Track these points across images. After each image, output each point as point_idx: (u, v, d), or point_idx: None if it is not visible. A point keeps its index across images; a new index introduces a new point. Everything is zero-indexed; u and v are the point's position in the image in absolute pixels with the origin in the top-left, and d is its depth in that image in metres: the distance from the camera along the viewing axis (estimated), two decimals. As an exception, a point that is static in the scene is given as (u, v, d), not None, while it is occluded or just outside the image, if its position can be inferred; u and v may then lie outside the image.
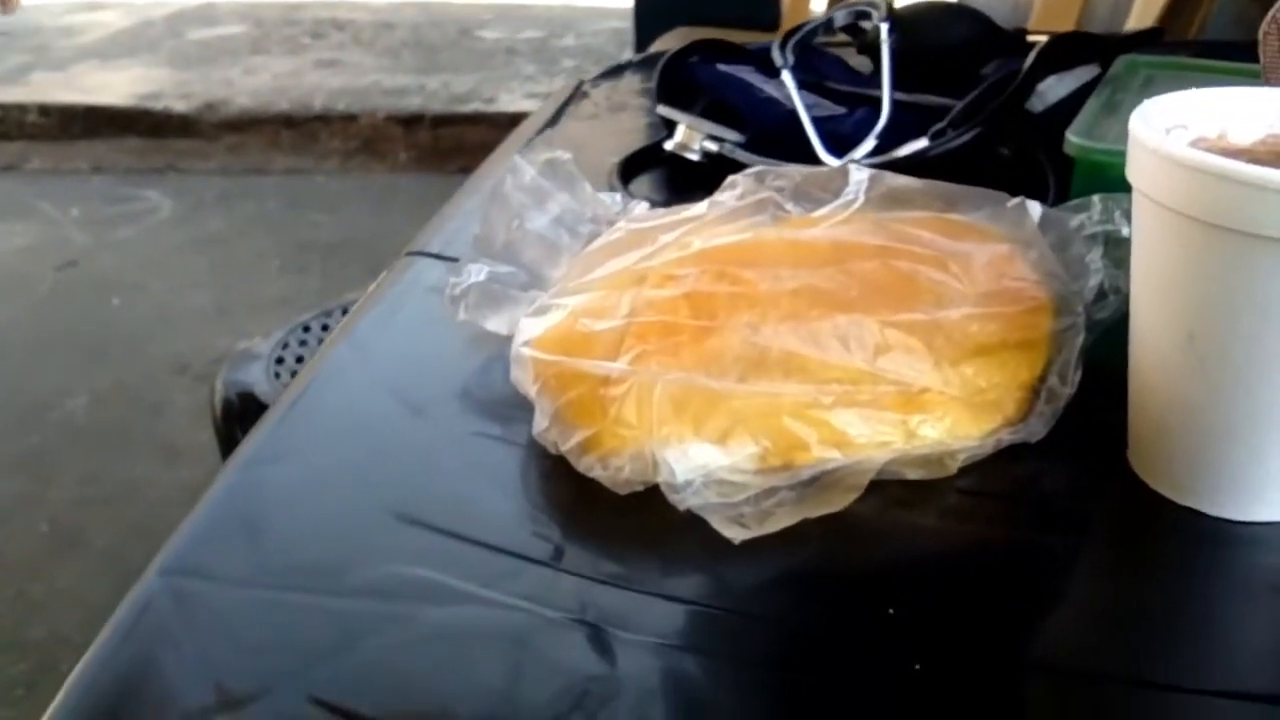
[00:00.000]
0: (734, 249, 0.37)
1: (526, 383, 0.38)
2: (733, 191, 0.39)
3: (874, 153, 0.59)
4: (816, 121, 0.65)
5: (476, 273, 0.43)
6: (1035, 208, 0.39)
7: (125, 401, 1.97)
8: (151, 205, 2.95)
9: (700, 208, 0.39)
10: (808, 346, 0.36)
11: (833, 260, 0.37)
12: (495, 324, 0.43)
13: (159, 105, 3.28)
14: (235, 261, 2.57)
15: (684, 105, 0.70)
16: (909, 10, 0.70)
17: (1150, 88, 0.62)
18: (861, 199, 0.38)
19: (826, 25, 0.71)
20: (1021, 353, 0.38)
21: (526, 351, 0.38)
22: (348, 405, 0.43)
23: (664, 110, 0.64)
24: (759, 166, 0.40)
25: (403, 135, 3.19)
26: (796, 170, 0.40)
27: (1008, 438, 0.37)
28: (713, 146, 0.63)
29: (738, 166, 0.60)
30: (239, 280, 2.45)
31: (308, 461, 0.40)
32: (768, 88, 0.69)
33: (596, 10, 4.01)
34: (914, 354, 0.36)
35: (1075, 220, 0.39)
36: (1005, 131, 0.57)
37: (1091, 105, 0.58)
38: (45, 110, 3.28)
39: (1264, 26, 0.52)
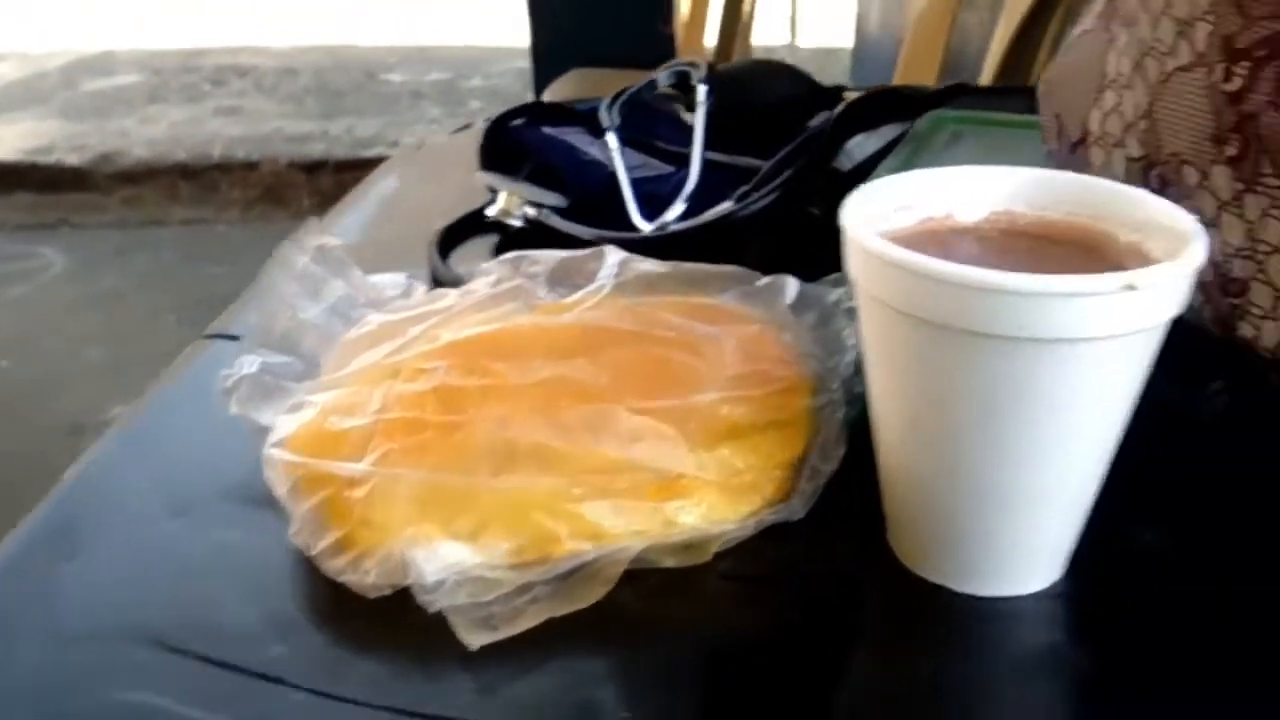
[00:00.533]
0: (484, 340, 0.37)
1: (278, 484, 0.37)
2: (486, 279, 0.39)
3: (685, 215, 0.59)
4: (637, 183, 0.65)
5: (250, 364, 0.42)
6: (791, 285, 0.40)
7: (16, 465, 1.90)
8: (44, 262, 2.86)
9: (451, 297, 0.39)
10: (559, 438, 0.36)
11: (584, 348, 0.37)
12: (268, 417, 0.42)
13: (50, 159, 3.20)
14: (130, 317, 2.51)
15: (511, 170, 0.70)
16: (731, 69, 0.71)
17: (955, 145, 0.63)
18: (611, 284, 0.38)
19: (650, 86, 0.72)
20: (777, 432, 0.38)
21: (275, 453, 0.37)
22: (111, 505, 0.42)
23: (484, 177, 0.63)
24: (514, 253, 0.40)
25: (305, 182, 3.15)
26: (552, 255, 0.39)
27: (769, 518, 0.37)
28: (534, 213, 0.63)
29: (562, 234, 0.61)
30: (134, 337, 2.39)
31: (50, 569, 0.38)
32: (593, 149, 0.69)
33: (504, 51, 4.02)
34: (667, 440, 0.36)
35: (834, 295, 0.40)
36: (812, 191, 0.58)
37: (888, 164, 0.59)
38: (-70, 166, 3.18)
39: (1040, 87, 0.54)
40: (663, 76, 0.72)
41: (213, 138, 3.37)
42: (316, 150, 3.25)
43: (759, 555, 0.37)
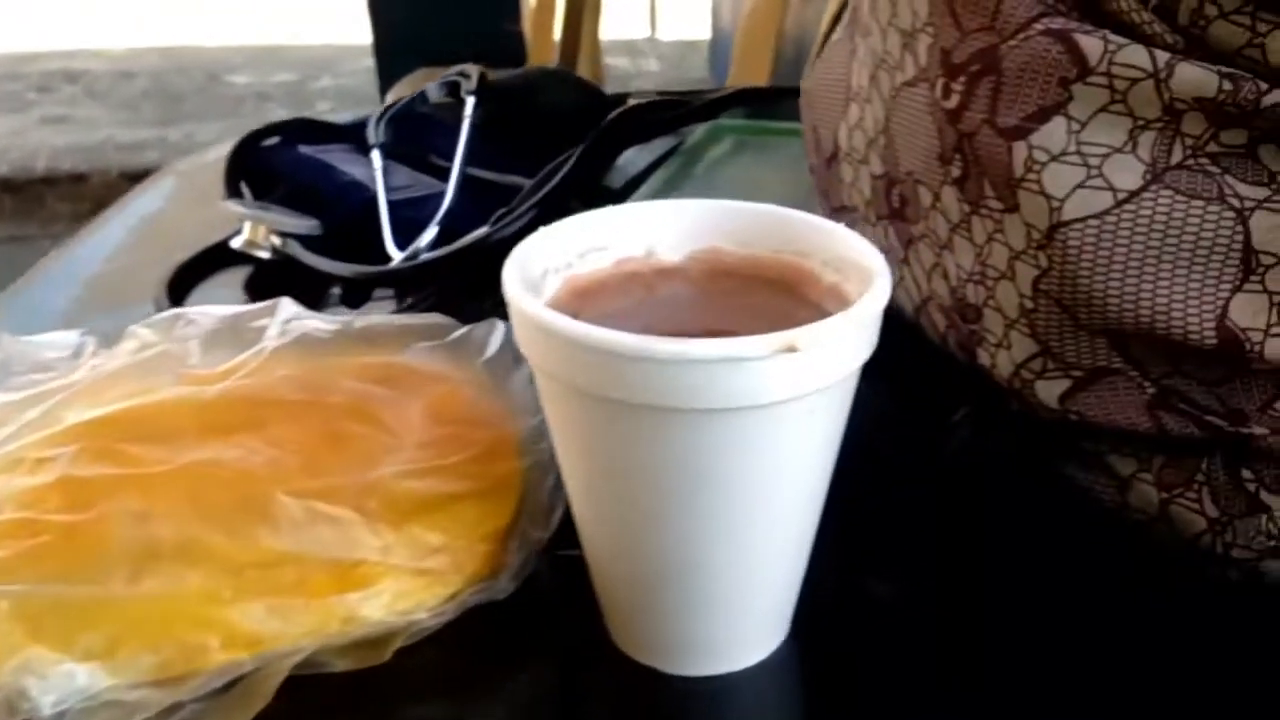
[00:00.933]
0: (119, 419, 0.32)
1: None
2: (129, 344, 0.34)
3: (442, 240, 0.54)
4: (399, 205, 0.60)
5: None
6: (497, 333, 0.36)
7: None
8: None
9: (80, 371, 0.33)
10: (209, 531, 0.31)
11: (240, 423, 0.32)
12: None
13: None
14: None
15: (264, 194, 0.64)
16: (508, 79, 0.66)
17: (734, 156, 0.61)
18: (274, 346, 0.33)
19: (421, 98, 0.67)
20: (479, 502, 0.34)
21: None
22: None
23: (228, 204, 0.58)
24: (171, 312, 0.35)
25: (141, 193, 2.98)
26: (214, 313, 0.34)
27: (471, 599, 0.33)
28: (281, 243, 0.57)
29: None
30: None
31: None
32: (357, 169, 0.64)
33: (354, 49, 3.88)
34: (340, 523, 0.32)
35: (547, 341, 0.36)
36: (569, 211, 0.54)
37: (653, 181, 0.56)
38: None
39: (801, 98, 0.51)
40: (433, 88, 0.67)
41: (38, 149, 3.15)
42: (151, 159, 3.07)
43: (460, 644, 0.33)
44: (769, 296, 0.32)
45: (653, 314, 0.31)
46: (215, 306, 0.34)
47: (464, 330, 0.35)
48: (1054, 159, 0.32)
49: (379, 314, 0.35)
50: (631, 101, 0.63)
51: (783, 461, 0.27)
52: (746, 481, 0.27)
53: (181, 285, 0.58)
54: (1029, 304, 0.35)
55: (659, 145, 0.58)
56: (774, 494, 0.28)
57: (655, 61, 3.75)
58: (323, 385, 0.32)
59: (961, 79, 0.35)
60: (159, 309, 0.54)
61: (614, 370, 0.25)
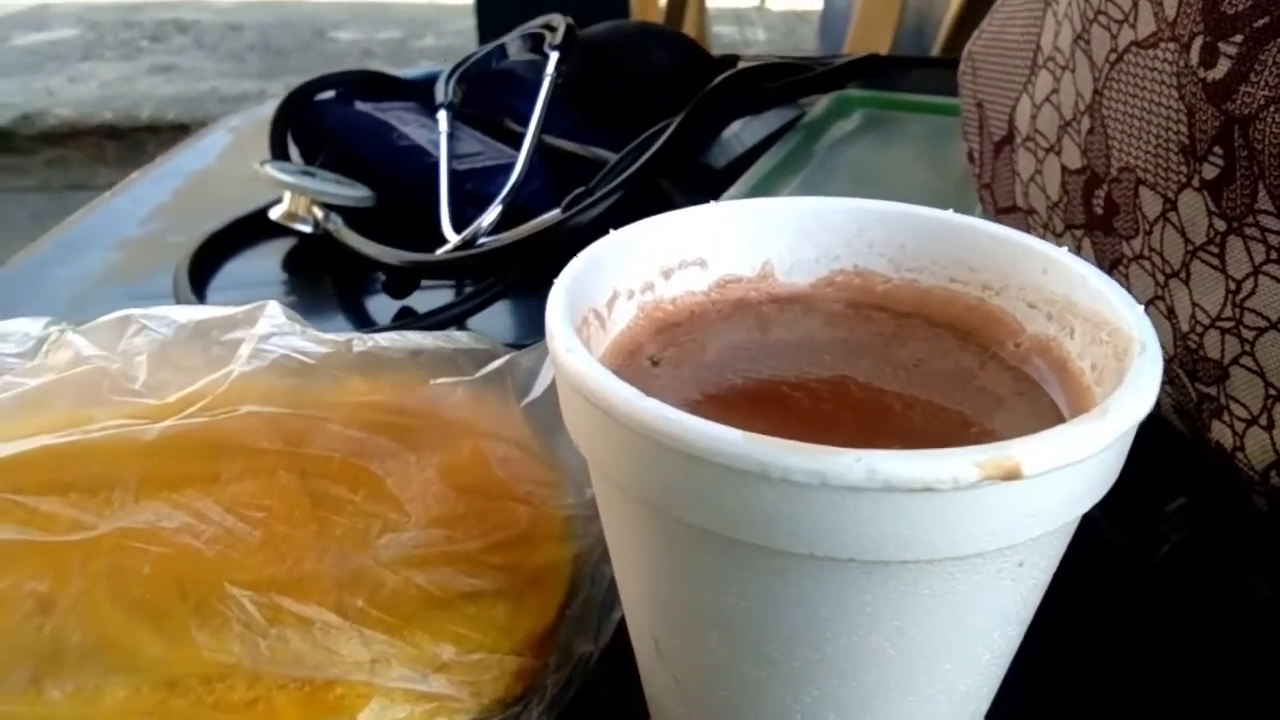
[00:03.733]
0: (30, 463, 0.23)
1: None
2: (61, 355, 0.25)
3: (506, 222, 0.45)
4: (465, 176, 0.51)
5: None
6: (550, 365, 0.26)
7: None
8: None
9: None
10: (136, 629, 0.22)
11: (190, 477, 0.23)
12: None
13: (-33, 118, 3.00)
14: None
15: (315, 156, 0.56)
16: (598, 34, 0.56)
17: (861, 136, 0.50)
18: (241, 370, 0.24)
19: (500, 53, 0.57)
20: (507, 602, 0.24)
21: None
22: None
23: (266, 168, 0.49)
24: (121, 312, 0.26)
25: (240, 146, 2.98)
26: (176, 317, 0.26)
27: (494, 733, 0.24)
28: (323, 216, 0.49)
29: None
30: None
31: None
32: (420, 132, 0.55)
33: (459, 8, 3.83)
34: (316, 627, 0.23)
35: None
36: (661, 194, 0.44)
37: (766, 161, 0.45)
38: None
39: (961, 64, 0.40)
40: (513, 41, 0.58)
41: (143, 98, 3.18)
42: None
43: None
44: (940, 349, 0.21)
45: (765, 365, 0.21)
46: (178, 308, 0.26)
47: (502, 361, 0.26)
48: (1386, 162, 0.21)
49: (393, 332, 0.26)
50: (742, 64, 0.53)
51: (969, 629, 0.17)
52: (911, 655, 0.17)
53: (209, 258, 0.50)
54: (1316, 372, 0.24)
55: (773, 118, 0.48)
56: (948, 662, 0.18)
57: (763, 31, 3.61)
58: (302, 431, 0.23)
59: (1236, 38, 0.24)
60: (178, 287, 0.47)
61: (713, 489, 0.15)
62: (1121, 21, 0.28)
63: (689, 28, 2.14)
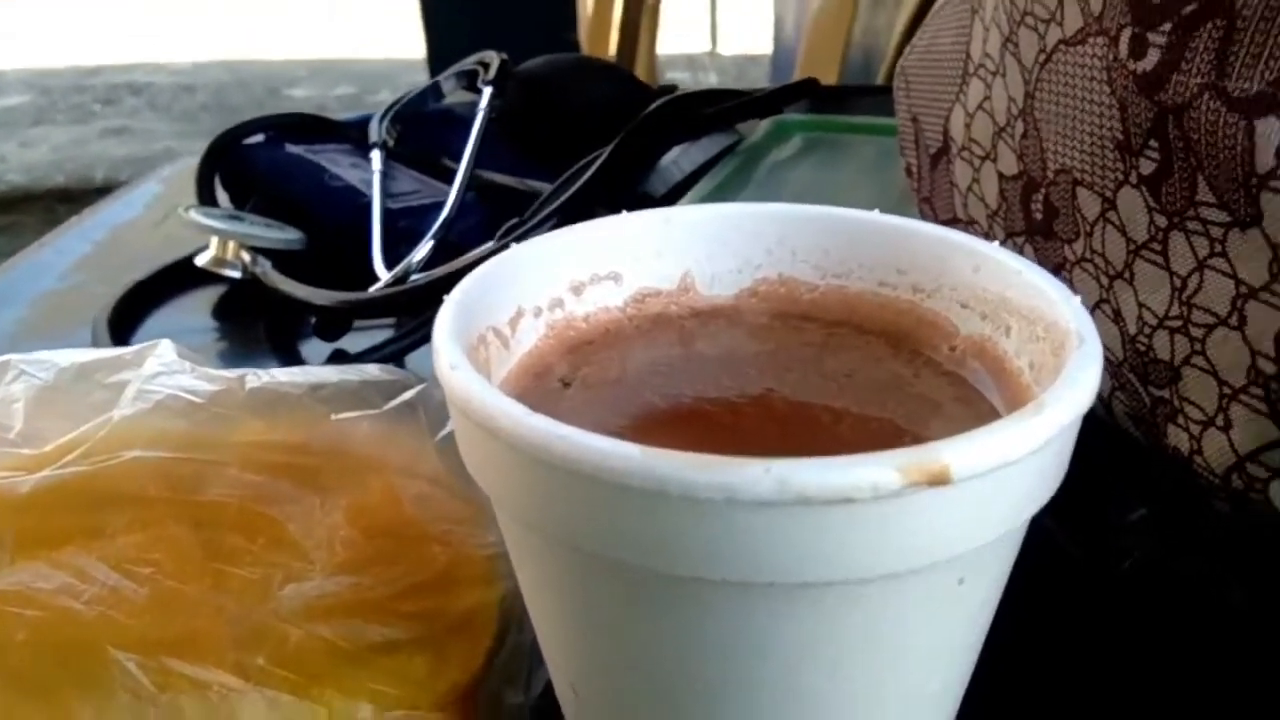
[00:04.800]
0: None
1: None
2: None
3: (439, 258, 0.44)
4: (397, 214, 0.50)
5: None
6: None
7: None
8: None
9: None
10: (15, 706, 0.20)
11: (71, 532, 0.21)
12: None
13: (-86, 187, 2.95)
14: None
15: (244, 201, 0.54)
16: (533, 68, 0.56)
17: (802, 158, 0.49)
18: (125, 413, 0.22)
19: (434, 91, 0.56)
20: (427, 652, 0.22)
21: None
22: None
23: (190, 213, 0.48)
24: (9, 356, 0.24)
25: (195, 205, 2.95)
26: (58, 361, 0.24)
27: (412, 800, 0.22)
28: (251, 260, 0.47)
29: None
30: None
31: None
32: (354, 173, 0.54)
33: (413, 62, 3.85)
34: (212, 691, 0.21)
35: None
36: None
37: (702, 187, 0.44)
38: None
39: (895, 80, 0.39)
40: (447, 78, 0.57)
41: (96, 160, 3.16)
42: (207, 171, 3.05)
43: None
44: (872, 357, 0.20)
45: (686, 383, 0.20)
46: (61, 352, 0.24)
47: (413, 392, 0.24)
48: (1325, 144, 0.21)
49: (293, 367, 0.24)
50: (678, 92, 0.52)
51: (911, 655, 0.15)
52: (849, 689, 0.15)
53: (132, 310, 0.48)
54: (1268, 366, 0.23)
55: (711, 143, 0.47)
56: (891, 694, 0.16)
57: (715, 75, 3.65)
58: (193, 476, 0.21)
59: (1165, 26, 0.23)
60: (96, 338, 0.45)
61: (612, 513, 0.13)
62: (1048, 20, 0.27)
63: (640, 72, 2.16)
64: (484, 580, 0.23)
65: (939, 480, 0.13)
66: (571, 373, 0.20)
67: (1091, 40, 0.25)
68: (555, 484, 0.14)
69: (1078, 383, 0.14)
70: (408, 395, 0.24)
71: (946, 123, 0.34)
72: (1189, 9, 0.23)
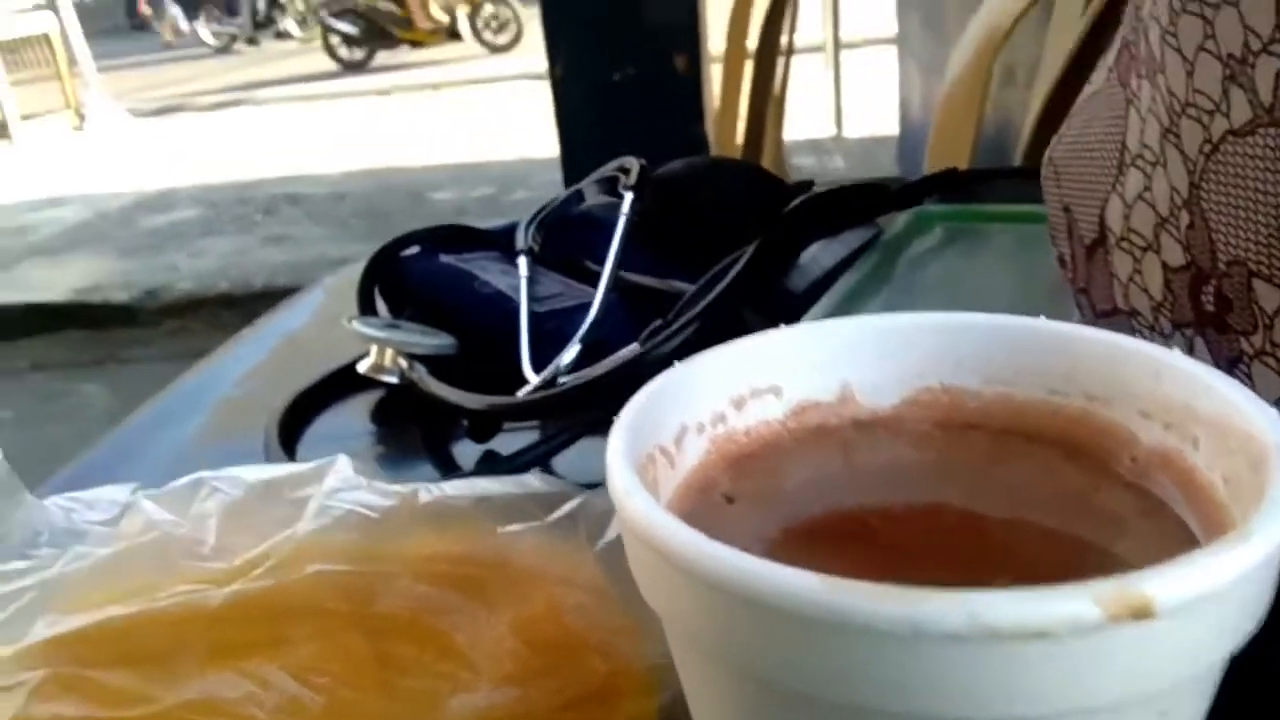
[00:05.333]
0: (100, 635, 0.23)
1: None
2: (132, 522, 0.25)
3: (586, 359, 0.45)
4: (544, 318, 0.51)
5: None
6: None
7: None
8: (85, 399, 2.85)
9: (62, 560, 0.24)
10: (199, 807, 0.21)
11: (257, 643, 0.22)
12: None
13: (98, 297, 3.23)
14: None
15: (402, 309, 0.57)
16: (674, 171, 0.57)
17: (944, 250, 0.49)
18: (307, 529, 0.23)
19: (577, 197, 0.59)
20: (590, 766, 0.22)
21: None
22: None
23: (353, 323, 0.50)
24: (192, 476, 0.26)
25: (346, 305, 3.12)
26: (246, 478, 0.25)
27: None
28: (408, 366, 0.49)
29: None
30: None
31: None
32: (502, 279, 0.56)
33: (547, 161, 4.02)
34: (384, 801, 0.21)
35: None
36: (738, 324, 0.43)
37: (841, 287, 0.44)
38: (-17, 312, 3.23)
39: (1044, 169, 0.39)
40: (589, 185, 0.59)
41: (257, 267, 3.38)
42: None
43: None
44: (1045, 468, 0.19)
45: (849, 495, 0.20)
46: (250, 469, 0.26)
47: (574, 503, 0.24)
48: None
49: (460, 480, 0.25)
50: (817, 189, 0.52)
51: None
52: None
53: (299, 415, 0.51)
54: None
55: (851, 238, 0.47)
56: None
57: (841, 159, 3.67)
58: (368, 588, 0.22)
59: (1343, 113, 0.22)
60: (268, 445, 0.48)
61: (791, 643, 0.13)
62: (1212, 112, 0.27)
63: (767, 161, 2.19)
64: (643, 692, 0.23)
65: (1141, 614, 0.12)
66: (734, 488, 0.20)
67: (1262, 131, 0.25)
68: (734, 612, 0.14)
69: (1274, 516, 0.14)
70: (568, 507, 0.25)
71: (1103, 213, 0.34)
72: (1370, 96, 0.22)
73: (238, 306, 3.20)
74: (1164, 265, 0.30)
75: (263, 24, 9.28)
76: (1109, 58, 0.35)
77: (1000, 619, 0.12)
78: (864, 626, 0.13)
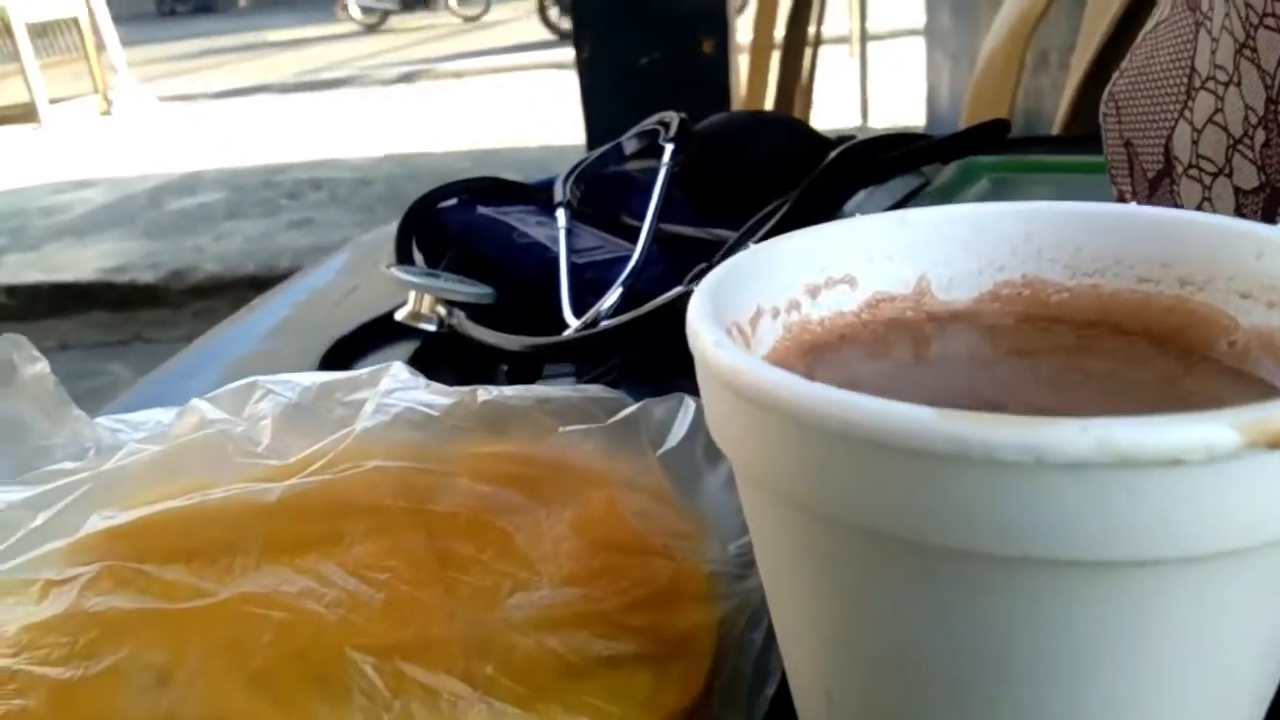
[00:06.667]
0: (154, 528, 0.22)
1: None
2: (187, 420, 0.25)
3: (626, 305, 0.44)
4: (584, 268, 0.51)
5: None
6: (685, 413, 0.24)
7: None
8: (112, 379, 2.87)
9: (121, 453, 0.24)
10: (254, 700, 0.21)
11: (313, 539, 0.22)
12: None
13: (124, 278, 3.25)
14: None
15: (439, 260, 0.57)
16: (712, 124, 0.56)
17: (995, 195, 0.48)
18: (364, 426, 0.23)
19: (617, 151, 0.58)
20: (650, 670, 0.22)
21: None
22: None
23: (392, 270, 0.50)
24: (246, 380, 0.26)
25: (370, 288, 3.13)
26: (301, 382, 0.25)
27: (636, 826, 0.21)
28: (447, 313, 0.49)
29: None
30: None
31: None
32: (540, 230, 0.55)
33: (571, 148, 4.01)
34: (441, 699, 0.21)
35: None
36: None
37: (895, 228, 0.43)
38: (12, 291, 3.26)
39: (1103, 108, 0.38)
40: (629, 139, 0.58)
41: (282, 250, 3.40)
42: (381, 256, 3.25)
43: None
44: (1136, 358, 0.19)
45: (929, 390, 0.19)
46: (305, 375, 0.25)
47: (635, 408, 0.24)
48: None
49: (519, 386, 0.25)
50: (858, 139, 0.52)
51: (1232, 646, 0.14)
52: (1152, 695, 0.14)
53: (338, 363, 0.50)
54: None
55: (897, 186, 0.46)
56: (1200, 687, 0.14)
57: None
58: (427, 486, 0.22)
59: None
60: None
61: (900, 482, 0.13)
62: (1295, 18, 0.26)
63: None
64: (705, 598, 0.23)
65: (1277, 440, 0.11)
66: (809, 376, 0.19)
67: (1352, 32, 0.24)
68: (836, 454, 0.13)
69: None
70: (629, 411, 0.24)
71: (1169, 142, 0.33)
72: None
73: (262, 288, 3.21)
74: (1236, 190, 0.29)
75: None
76: (1172, -10, 0.34)
77: (1131, 444, 0.11)
78: (983, 457, 0.12)
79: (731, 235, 0.48)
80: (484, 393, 0.24)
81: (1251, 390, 0.17)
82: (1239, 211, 0.29)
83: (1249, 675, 0.14)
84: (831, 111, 3.67)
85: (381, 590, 0.21)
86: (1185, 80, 0.32)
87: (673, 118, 0.56)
